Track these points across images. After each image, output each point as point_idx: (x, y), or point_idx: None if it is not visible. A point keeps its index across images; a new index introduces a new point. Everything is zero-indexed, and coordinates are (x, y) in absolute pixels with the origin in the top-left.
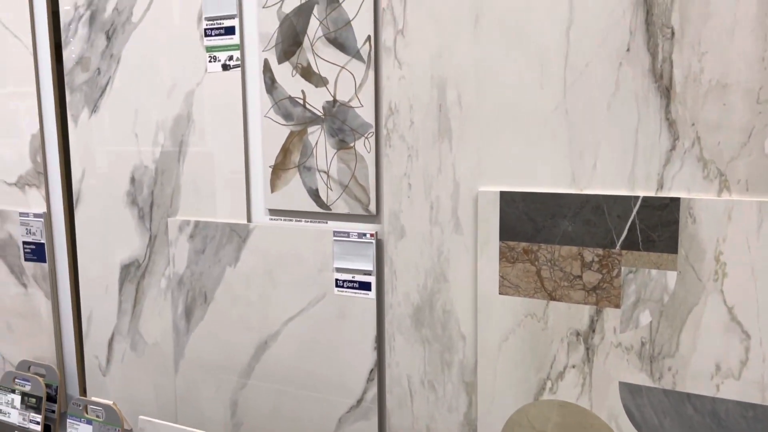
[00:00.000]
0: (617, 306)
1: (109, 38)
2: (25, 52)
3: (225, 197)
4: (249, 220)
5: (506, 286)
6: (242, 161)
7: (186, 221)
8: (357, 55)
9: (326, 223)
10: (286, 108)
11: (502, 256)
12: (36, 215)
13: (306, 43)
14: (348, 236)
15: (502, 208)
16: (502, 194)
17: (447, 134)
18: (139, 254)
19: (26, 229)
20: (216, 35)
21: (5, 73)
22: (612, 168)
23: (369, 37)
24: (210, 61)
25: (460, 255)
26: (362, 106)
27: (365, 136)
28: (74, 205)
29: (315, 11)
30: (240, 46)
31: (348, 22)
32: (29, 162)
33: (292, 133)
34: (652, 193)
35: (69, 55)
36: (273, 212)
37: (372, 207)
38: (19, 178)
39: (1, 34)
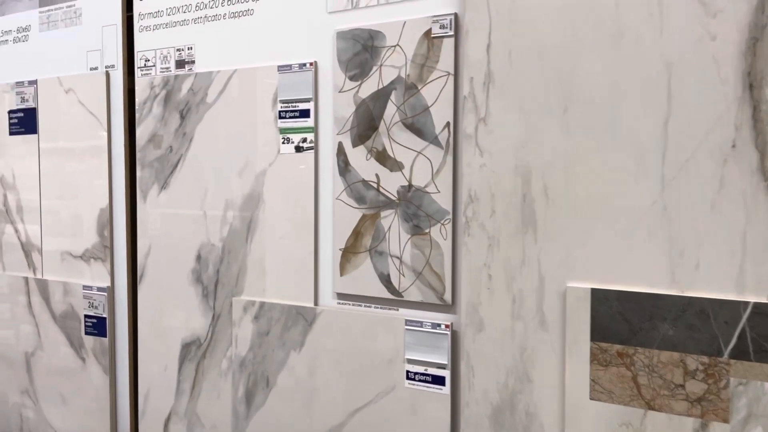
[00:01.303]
0: (725, 420)
1: (182, 117)
2: (99, 128)
3: (292, 279)
4: (316, 303)
5: (598, 391)
6: (311, 243)
7: (251, 302)
8: (435, 141)
9: (397, 310)
10: (359, 191)
11: (594, 358)
12: (100, 289)
13: (382, 127)
14: (421, 326)
15: (594, 306)
16: (594, 292)
17: (531, 225)
18: (201, 333)
19: (89, 302)
20: (290, 117)
21: (78, 148)
22: (718, 270)
23: (448, 124)
24: (283, 143)
25: (546, 354)
26: (439, 192)
27: (442, 222)
28: (138, 281)
29: (392, 97)
30: (314, 129)
31: (426, 109)
32: (96, 236)
33: (364, 217)
34: (764, 299)
35: (142, 132)
36: (341, 296)
37: (447, 296)
38: (85, 251)
39: (77, 109)
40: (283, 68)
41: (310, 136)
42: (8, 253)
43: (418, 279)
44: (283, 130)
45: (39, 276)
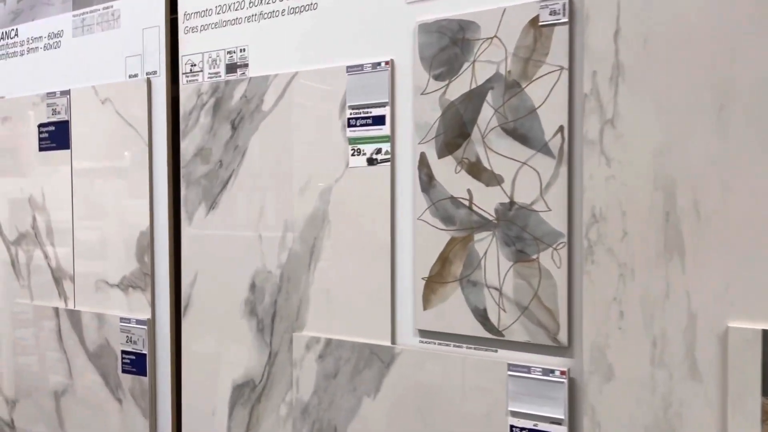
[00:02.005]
0: None
1: (234, 128)
2: (139, 141)
3: (364, 312)
4: (393, 341)
5: None
6: (387, 271)
7: (315, 338)
8: (544, 149)
9: (496, 351)
10: (447, 210)
11: (767, 417)
12: (139, 322)
13: (475, 134)
14: (528, 372)
15: (767, 352)
16: (767, 334)
17: (678, 250)
18: (255, 373)
19: (127, 336)
20: (361, 125)
21: (116, 164)
22: None
23: (561, 128)
24: (353, 155)
25: (699, 410)
26: (550, 210)
27: (554, 247)
28: (182, 313)
29: (489, 98)
30: (390, 138)
31: (533, 110)
32: (135, 262)
33: (453, 240)
34: None
35: (188, 145)
36: (425, 334)
37: (562, 336)
38: (122, 279)
39: (115, 121)
40: (353, 69)
41: (385, 147)
42: (37, 281)
43: (523, 315)
44: (352, 141)
45: (71, 306)
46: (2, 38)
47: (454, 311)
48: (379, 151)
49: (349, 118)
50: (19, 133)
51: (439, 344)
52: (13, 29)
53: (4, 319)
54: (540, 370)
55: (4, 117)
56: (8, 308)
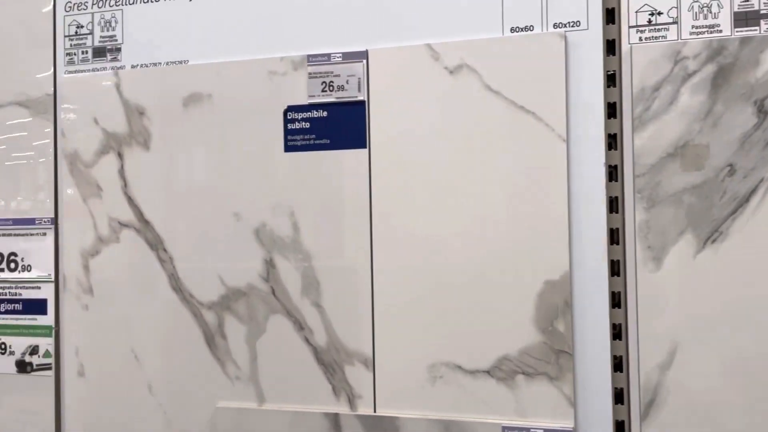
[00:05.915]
0: None
1: (763, 112)
2: (544, 133)
3: None
4: None
5: None
6: None
7: None
8: None
9: None
10: None
11: None
12: None
13: None
14: None
15: None
16: None
17: None
18: None
19: None
20: None
21: (480, 172)
22: None
23: None
24: None
25: None
26: None
27: None
28: (642, 414)
29: None
30: None
31: None
32: (534, 332)
33: None
34: None
35: (649, 140)
36: None
37: None
38: (499, 361)
39: (480, 103)
40: None
41: None
42: (273, 371)
43: None
44: None
45: (366, 410)
46: None
47: None
48: None
49: None
50: (231, 122)
51: None
52: None
53: None
54: None
55: (191, 94)
56: (203, 417)
